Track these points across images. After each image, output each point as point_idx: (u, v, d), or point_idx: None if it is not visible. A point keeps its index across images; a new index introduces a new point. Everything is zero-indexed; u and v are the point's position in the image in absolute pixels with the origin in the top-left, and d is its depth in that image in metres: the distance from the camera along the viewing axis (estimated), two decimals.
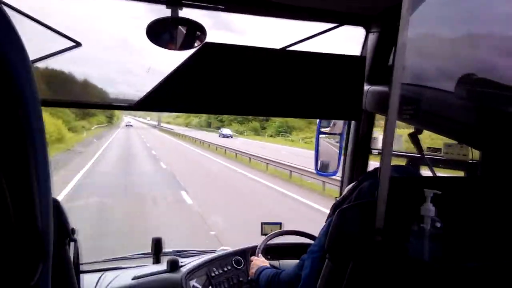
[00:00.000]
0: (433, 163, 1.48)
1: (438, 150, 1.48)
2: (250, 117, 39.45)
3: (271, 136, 45.38)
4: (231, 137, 39.98)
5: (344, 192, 1.42)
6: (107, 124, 57.98)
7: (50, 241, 0.36)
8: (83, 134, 31.54)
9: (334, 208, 1.35)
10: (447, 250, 0.88)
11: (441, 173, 1.51)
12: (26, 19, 1.48)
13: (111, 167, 15.42)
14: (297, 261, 1.49)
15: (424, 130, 1.50)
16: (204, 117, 63.28)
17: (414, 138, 1.49)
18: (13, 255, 0.32)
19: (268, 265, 1.76)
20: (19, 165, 0.32)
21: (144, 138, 36.79)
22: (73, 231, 1.14)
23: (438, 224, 0.86)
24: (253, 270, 1.77)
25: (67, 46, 1.56)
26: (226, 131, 43.72)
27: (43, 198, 0.35)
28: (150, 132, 53.27)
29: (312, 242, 1.90)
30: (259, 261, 1.79)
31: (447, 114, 1.36)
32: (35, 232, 0.34)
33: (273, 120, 44.57)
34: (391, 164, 0.92)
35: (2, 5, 0.34)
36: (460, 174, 1.46)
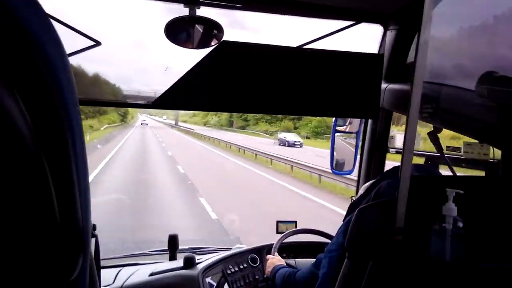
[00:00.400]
0: (452, 162, 1.45)
1: (458, 149, 1.46)
2: (280, 116, 27.60)
3: (307, 137, 35.86)
4: (301, 146, 26.64)
5: (361, 191, 1.41)
6: (120, 123, 50.40)
7: (89, 234, 0.37)
8: (86, 137, 22.99)
9: (351, 207, 1.34)
10: (468, 250, 0.87)
11: (461, 172, 1.48)
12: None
13: (110, 214, 6.90)
14: (313, 259, 1.49)
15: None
16: (224, 115, 57.59)
17: (433, 136, 1.47)
18: (57, 249, 0.33)
19: (284, 264, 1.76)
20: (62, 161, 0.33)
21: (163, 141, 28.02)
22: (94, 227, 1.16)
23: (460, 224, 0.85)
24: (269, 269, 1.77)
25: (87, 45, 1.59)
26: (292, 136, 28.51)
27: (83, 191, 0.36)
28: (168, 132, 44.81)
29: (327, 241, 1.90)
30: (275, 260, 1.80)
31: (467, 112, 1.34)
32: (75, 226, 0.35)
33: (307, 119, 37.24)
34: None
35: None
36: (481, 173, 1.44)
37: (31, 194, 0.30)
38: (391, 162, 1.57)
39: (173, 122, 73.50)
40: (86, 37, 1.57)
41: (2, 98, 0.28)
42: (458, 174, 1.46)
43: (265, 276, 1.84)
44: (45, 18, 0.33)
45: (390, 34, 1.78)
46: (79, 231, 0.35)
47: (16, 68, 0.30)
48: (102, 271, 1.83)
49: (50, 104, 0.32)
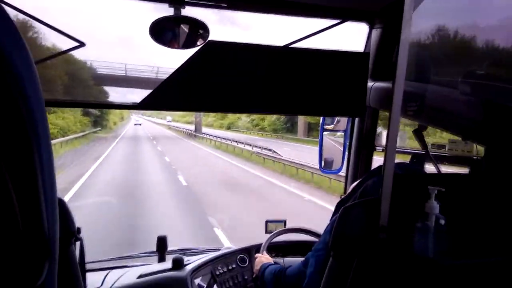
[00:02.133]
0: (437, 160, 1.47)
1: (443, 146, 1.47)
2: None
3: None
4: None
5: (349, 190, 1.41)
6: (84, 133, 24.69)
7: (56, 241, 0.37)
8: None
9: (338, 206, 1.35)
10: (451, 246, 0.88)
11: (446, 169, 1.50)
12: (30, 19, 1.49)
13: None
14: (302, 258, 1.50)
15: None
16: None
17: (418, 134, 1.48)
18: (19, 256, 0.33)
19: (273, 262, 1.77)
20: (25, 166, 0.33)
21: None
22: (78, 230, 1.15)
23: (442, 221, 0.86)
24: (257, 267, 1.77)
25: (71, 46, 1.57)
26: None
27: (49, 198, 0.35)
28: (200, 156, 20.34)
29: (316, 239, 1.91)
30: (263, 258, 1.80)
31: (451, 110, 1.35)
32: (40, 233, 0.34)
33: None
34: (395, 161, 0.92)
35: (3, 5, 0.34)
36: (465, 170, 1.45)
37: None
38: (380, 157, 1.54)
39: (189, 128, 41.69)
40: (70, 38, 1.55)
41: None
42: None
43: (254, 275, 1.84)
44: (11, 27, 0.33)
45: (376, 32, 1.79)
46: (45, 239, 0.34)
47: None
48: (90, 274, 1.81)
49: (11, 105, 0.31)
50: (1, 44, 0.31)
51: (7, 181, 0.31)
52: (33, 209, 0.33)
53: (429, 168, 1.50)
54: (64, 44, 1.60)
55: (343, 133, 2.14)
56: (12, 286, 0.33)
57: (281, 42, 1.66)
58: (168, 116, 68.24)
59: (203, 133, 33.40)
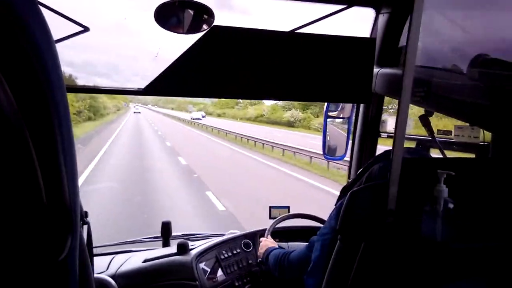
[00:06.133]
0: (443, 146, 1.47)
1: (449, 132, 1.47)
2: None
3: None
4: None
5: (354, 175, 1.42)
6: None
7: (77, 215, 0.38)
8: None
9: (344, 191, 1.35)
10: (459, 230, 0.89)
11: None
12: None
13: None
14: (306, 243, 1.51)
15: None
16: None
17: (424, 120, 1.48)
18: (43, 230, 0.33)
19: (277, 246, 1.78)
20: (48, 145, 0.33)
21: None
22: (86, 214, 1.15)
23: (451, 205, 0.86)
24: (261, 250, 1.79)
25: (75, 31, 1.55)
26: None
27: (70, 175, 0.36)
28: None
29: (320, 225, 1.92)
30: (268, 242, 1.82)
31: (458, 95, 1.35)
32: (64, 208, 0.35)
33: None
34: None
35: None
36: (471, 155, 1.45)
37: (15, 175, 0.30)
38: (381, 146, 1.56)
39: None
40: (74, 22, 1.54)
41: None
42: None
43: (258, 260, 1.86)
44: (32, 1, 0.33)
45: (382, 18, 1.77)
46: (67, 212, 0.35)
47: (1, 49, 0.30)
48: (95, 259, 1.83)
49: (35, 85, 0.32)
50: (22, 17, 0.32)
51: (32, 154, 0.31)
52: (56, 185, 0.34)
53: (435, 154, 1.50)
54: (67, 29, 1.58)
55: (346, 120, 2.13)
56: (36, 260, 0.33)
57: (283, 29, 1.64)
58: (193, 106, 39.86)
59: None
